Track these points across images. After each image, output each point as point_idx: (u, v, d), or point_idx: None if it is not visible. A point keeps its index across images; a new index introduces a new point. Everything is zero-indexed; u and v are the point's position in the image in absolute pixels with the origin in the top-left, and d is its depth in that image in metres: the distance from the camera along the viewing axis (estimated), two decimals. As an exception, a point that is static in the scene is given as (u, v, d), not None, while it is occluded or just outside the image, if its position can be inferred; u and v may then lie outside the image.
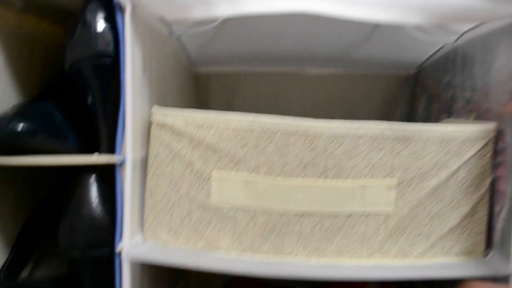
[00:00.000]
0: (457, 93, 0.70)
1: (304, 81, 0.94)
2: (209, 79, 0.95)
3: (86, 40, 0.53)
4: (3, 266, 0.60)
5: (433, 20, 0.52)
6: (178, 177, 0.56)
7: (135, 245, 0.55)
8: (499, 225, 0.56)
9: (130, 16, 0.52)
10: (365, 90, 0.96)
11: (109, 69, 0.53)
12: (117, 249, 0.53)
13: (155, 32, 0.62)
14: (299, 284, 0.86)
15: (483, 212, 0.58)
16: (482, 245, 0.59)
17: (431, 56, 0.84)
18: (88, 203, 0.53)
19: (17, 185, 0.65)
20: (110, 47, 0.53)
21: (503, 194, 0.56)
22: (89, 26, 0.53)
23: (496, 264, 0.55)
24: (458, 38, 0.70)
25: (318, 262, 0.57)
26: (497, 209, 0.57)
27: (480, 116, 0.62)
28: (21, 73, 0.63)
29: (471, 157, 0.57)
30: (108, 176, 0.54)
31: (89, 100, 0.56)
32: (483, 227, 0.58)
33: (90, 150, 0.56)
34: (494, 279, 0.55)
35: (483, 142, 0.57)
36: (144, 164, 0.57)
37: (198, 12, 0.51)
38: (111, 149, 0.54)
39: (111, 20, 0.53)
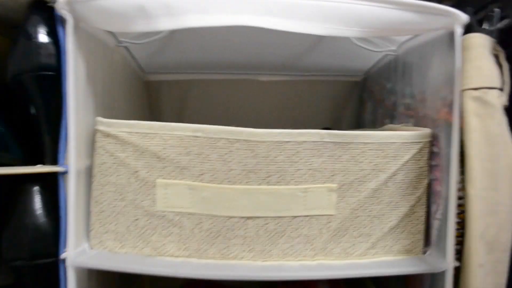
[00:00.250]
0: (398, 99, 0.73)
1: (255, 88, 0.95)
2: (160, 87, 0.95)
3: (27, 53, 0.53)
4: None
5: (368, 33, 0.53)
6: (123, 185, 0.56)
7: (80, 253, 0.54)
8: (435, 224, 0.59)
9: (72, 29, 0.52)
10: (314, 96, 0.98)
11: (51, 81, 0.53)
12: (61, 257, 0.52)
13: (101, 43, 0.61)
14: (250, 286, 0.88)
15: (421, 212, 0.60)
16: (421, 244, 0.61)
17: (376, 63, 0.87)
18: (31, 213, 0.53)
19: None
20: (53, 60, 0.53)
21: (439, 195, 0.58)
22: (31, 39, 0.53)
23: (434, 261, 0.58)
24: (399, 47, 0.72)
25: (264, 264, 0.58)
26: (434, 209, 0.60)
27: (418, 121, 0.65)
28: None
29: (408, 161, 0.59)
30: (53, 186, 0.53)
31: (32, 111, 0.55)
32: (421, 226, 0.61)
33: (34, 161, 0.56)
34: (432, 275, 0.58)
35: (418, 147, 0.59)
36: (89, 173, 0.57)
37: (140, 26, 0.51)
38: (55, 160, 0.53)
39: (53, 32, 0.53)
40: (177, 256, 0.57)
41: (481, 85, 0.54)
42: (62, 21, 0.52)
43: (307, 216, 0.58)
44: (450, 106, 0.55)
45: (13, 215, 0.54)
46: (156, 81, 0.94)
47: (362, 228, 0.59)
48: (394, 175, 0.59)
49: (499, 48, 0.57)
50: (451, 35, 0.55)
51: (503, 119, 0.54)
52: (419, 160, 0.59)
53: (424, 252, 0.61)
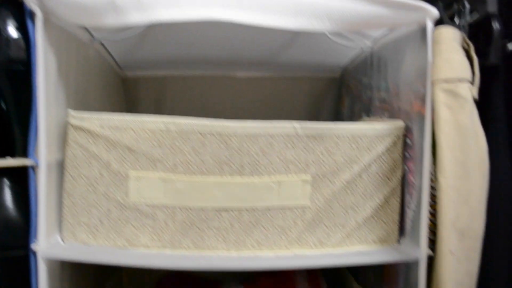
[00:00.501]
0: (374, 93, 0.73)
1: (232, 84, 0.95)
2: (137, 83, 0.95)
3: (-3, 47, 0.52)
4: None
5: (340, 27, 0.53)
6: (95, 178, 0.55)
7: (52, 245, 0.54)
8: (409, 214, 0.59)
9: (41, 23, 0.51)
10: (292, 92, 0.98)
11: (21, 75, 0.52)
12: (32, 248, 0.52)
13: (74, 38, 0.61)
14: (228, 279, 0.87)
15: (395, 202, 0.61)
16: (395, 233, 0.61)
17: (353, 59, 0.87)
18: (1, 205, 0.52)
19: None
20: (22, 53, 0.52)
21: (413, 186, 0.58)
22: (0, 33, 0.52)
23: (408, 250, 0.58)
24: (374, 43, 0.73)
25: (239, 254, 0.57)
26: (408, 199, 0.60)
27: (393, 114, 0.65)
28: None
29: (382, 153, 0.59)
30: (24, 179, 0.52)
31: (2, 105, 0.54)
32: (395, 216, 0.61)
33: (3, 154, 0.55)
34: (407, 264, 0.58)
35: (391, 139, 0.59)
36: (61, 166, 0.56)
37: (110, 20, 0.50)
38: (25, 153, 0.52)
39: (23, 26, 0.52)
40: (151, 248, 0.56)
41: (451, 77, 0.54)
42: (32, 15, 0.51)
43: (282, 207, 0.57)
44: (422, 99, 0.55)
45: (-17, 208, 0.53)
46: (133, 77, 0.94)
47: (336, 219, 0.59)
48: (368, 167, 0.59)
49: (469, 42, 0.57)
50: (423, 30, 0.56)
51: (473, 111, 0.55)
52: (392, 152, 0.59)
53: (399, 242, 0.61)
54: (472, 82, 0.55)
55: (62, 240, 0.56)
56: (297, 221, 0.58)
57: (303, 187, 0.57)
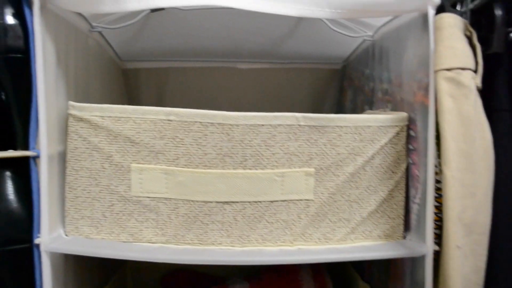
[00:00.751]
0: (376, 85, 0.72)
1: (234, 76, 0.94)
2: (138, 74, 0.94)
3: (-6, 35, 0.51)
4: None
5: (340, 14, 0.52)
6: (97, 171, 0.55)
7: (55, 238, 0.53)
8: (414, 208, 0.58)
9: (38, 10, 0.50)
10: (294, 84, 0.97)
11: (20, 64, 0.51)
12: (35, 242, 0.51)
13: (73, 27, 0.60)
14: (234, 274, 0.87)
15: (400, 196, 0.60)
16: (400, 228, 0.60)
17: (354, 50, 0.86)
18: (3, 198, 0.51)
19: None
20: (20, 42, 0.51)
21: (417, 179, 0.57)
22: (-3, 21, 0.51)
23: (414, 245, 0.57)
24: (375, 32, 0.72)
25: (243, 249, 0.57)
26: (412, 193, 0.59)
27: (396, 106, 0.64)
28: None
29: (385, 145, 0.58)
30: (25, 171, 0.52)
31: (2, 95, 0.54)
32: (400, 211, 0.60)
33: (5, 146, 0.54)
34: (413, 259, 0.58)
35: (395, 130, 0.58)
36: (63, 158, 0.55)
37: (108, 6, 0.49)
38: (26, 144, 0.52)
39: (21, 14, 0.51)
40: (154, 242, 0.56)
41: (454, 66, 0.53)
42: (29, 2, 0.50)
43: (285, 200, 0.57)
44: (425, 89, 0.55)
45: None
46: (134, 68, 0.93)
47: (341, 213, 0.58)
48: (371, 159, 0.58)
49: (471, 29, 0.56)
50: (424, 17, 0.55)
51: (477, 100, 0.54)
52: (396, 144, 0.59)
53: (404, 237, 0.60)
54: (475, 71, 0.54)
55: (65, 234, 0.56)
56: (301, 215, 0.57)
57: (306, 180, 0.57)
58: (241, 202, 0.56)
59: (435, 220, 0.55)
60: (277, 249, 0.57)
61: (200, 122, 0.54)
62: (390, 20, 0.66)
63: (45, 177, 0.51)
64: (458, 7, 0.62)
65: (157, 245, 0.56)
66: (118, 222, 0.56)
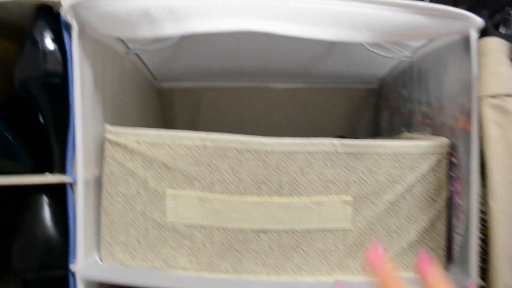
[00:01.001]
0: (415, 107, 0.70)
1: (268, 95, 0.93)
2: (173, 93, 0.94)
3: (34, 59, 0.51)
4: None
5: (378, 38, 0.51)
6: (132, 196, 0.54)
7: (90, 265, 0.53)
8: (457, 239, 0.56)
9: (77, 35, 0.50)
10: (329, 104, 0.95)
11: (58, 88, 0.51)
12: (71, 269, 0.51)
13: (110, 50, 0.60)
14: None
15: (441, 226, 0.57)
16: (442, 260, 0.58)
17: (391, 70, 0.84)
18: (41, 224, 0.52)
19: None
20: (59, 66, 0.52)
21: (460, 209, 0.55)
22: (37, 45, 0.51)
23: (457, 279, 0.54)
24: (413, 53, 0.70)
25: (278, 279, 0.55)
26: (455, 223, 0.56)
27: (436, 130, 0.62)
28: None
29: (426, 172, 0.56)
30: (62, 196, 0.52)
31: (40, 119, 0.54)
32: (442, 241, 0.57)
33: (44, 170, 0.55)
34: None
35: (436, 157, 0.56)
36: (99, 183, 0.55)
37: (145, 31, 0.49)
38: (63, 169, 0.52)
39: (60, 39, 0.51)
40: (188, 270, 0.55)
41: (499, 92, 0.51)
42: (68, 27, 0.51)
43: (322, 229, 0.55)
44: (468, 114, 0.52)
45: (23, 226, 0.52)
46: (169, 88, 0.93)
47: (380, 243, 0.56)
48: (411, 187, 0.56)
49: (517, 53, 0.54)
50: (466, 40, 0.52)
51: (525, 128, 0.51)
52: (437, 171, 0.56)
53: (447, 269, 0.58)
54: (522, 97, 0.52)
55: (101, 260, 0.55)
56: (338, 244, 0.55)
57: (344, 208, 0.55)
58: (276, 230, 0.54)
59: (480, 253, 0.52)
60: (314, 280, 0.56)
61: (235, 148, 0.53)
62: (430, 41, 0.63)
63: (81, 203, 0.51)
64: (501, 29, 0.59)
65: (192, 273, 0.55)
66: (152, 249, 0.55)
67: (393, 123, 0.83)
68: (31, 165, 0.56)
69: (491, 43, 0.53)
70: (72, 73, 0.51)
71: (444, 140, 0.57)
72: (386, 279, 0.41)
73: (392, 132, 0.82)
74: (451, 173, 0.57)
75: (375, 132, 0.95)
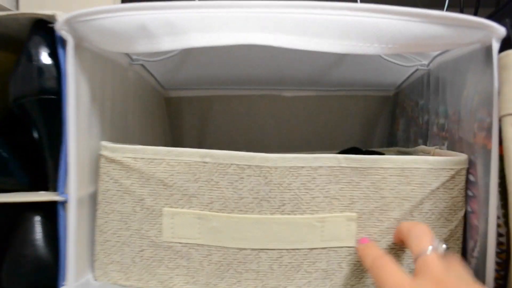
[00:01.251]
0: (431, 118, 0.66)
1: (279, 104, 0.90)
2: (181, 103, 0.91)
3: (28, 76, 0.49)
4: None
5: (391, 49, 0.47)
6: (128, 214, 0.52)
7: (82, 285, 0.51)
8: (472, 263, 0.51)
9: (72, 50, 0.48)
10: (343, 111, 0.91)
11: (54, 104, 0.49)
12: (61, 289, 0.49)
13: (110, 62, 0.58)
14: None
15: (455, 248, 0.53)
16: (455, 283, 0.53)
17: (408, 78, 0.79)
18: (31, 243, 0.50)
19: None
20: (54, 83, 0.50)
21: (476, 230, 0.50)
22: (32, 61, 0.49)
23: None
24: (431, 61, 0.65)
25: (279, 300, 0.52)
26: (471, 245, 0.52)
27: (453, 144, 0.57)
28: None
29: (437, 189, 0.52)
30: (55, 215, 0.50)
31: (36, 135, 0.52)
32: (456, 265, 0.53)
33: (38, 187, 0.53)
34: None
35: (450, 174, 0.52)
36: (94, 200, 0.53)
37: (142, 46, 0.47)
38: (56, 187, 0.50)
39: (56, 54, 0.49)
40: (185, 290, 0.52)
41: None
42: (63, 42, 0.49)
43: (325, 248, 0.52)
44: (488, 130, 0.47)
45: (13, 245, 0.50)
46: (177, 97, 0.90)
47: (387, 262, 0.52)
48: (420, 204, 0.52)
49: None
50: (487, 50, 0.47)
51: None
52: (452, 189, 0.52)
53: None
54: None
55: (95, 279, 0.53)
56: (342, 264, 0.52)
57: (348, 225, 0.52)
58: (277, 249, 0.51)
59: (497, 278, 0.47)
60: (317, 301, 0.52)
61: (236, 164, 0.50)
62: (448, 50, 0.59)
63: (73, 223, 0.49)
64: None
65: (188, 294, 0.52)
66: (147, 268, 0.52)
67: (409, 133, 0.78)
68: (27, 181, 0.54)
69: (515, 56, 0.48)
70: (65, 90, 0.48)
71: (460, 157, 0.52)
72: (373, 254, 0.47)
73: (408, 143, 0.78)
74: (468, 192, 0.52)
75: (391, 142, 0.91)
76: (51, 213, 0.50)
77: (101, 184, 0.52)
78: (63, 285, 0.49)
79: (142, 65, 0.69)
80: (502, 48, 0.47)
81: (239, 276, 0.52)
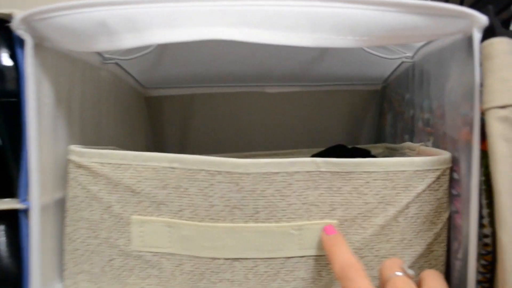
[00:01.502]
0: (416, 112, 0.61)
1: (263, 101, 0.86)
2: (162, 102, 0.87)
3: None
4: None
5: (366, 42, 0.43)
6: (96, 222, 0.48)
7: (50, 296, 0.48)
8: (457, 265, 0.47)
9: (31, 50, 0.44)
10: (328, 107, 0.87)
11: (14, 109, 0.45)
12: (26, 301, 0.46)
13: (79, 62, 0.54)
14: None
15: (440, 251, 0.49)
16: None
17: (394, 70, 0.75)
18: (-7, 253, 0.47)
19: None
20: (15, 85, 0.45)
21: (461, 231, 0.46)
22: (-10, 63, 0.46)
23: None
24: (415, 53, 0.61)
25: (256, 311, 0.49)
26: (455, 247, 0.48)
27: (438, 141, 0.53)
28: None
29: (422, 192, 0.48)
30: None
31: None
32: (441, 267, 0.49)
33: (5, 195, 0.49)
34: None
35: (435, 175, 0.48)
36: (62, 207, 0.50)
37: (104, 44, 0.43)
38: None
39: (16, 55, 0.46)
40: (157, 301, 0.49)
41: (509, 102, 0.42)
42: (22, 42, 0.45)
43: (304, 256, 0.48)
44: (472, 125, 0.43)
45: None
46: (157, 96, 0.86)
47: (369, 270, 0.48)
48: (405, 209, 0.48)
49: (528, 55, 0.44)
50: (469, 40, 0.43)
51: (540, 143, 0.42)
52: (436, 190, 0.48)
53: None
54: (536, 106, 0.42)
55: (64, 289, 0.50)
56: (322, 273, 0.48)
57: (328, 232, 0.48)
58: (252, 259, 0.48)
59: (482, 281, 0.43)
60: (295, 312, 0.48)
61: (206, 170, 0.47)
62: (431, 41, 0.54)
63: (36, 231, 0.45)
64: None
65: (160, 305, 0.49)
66: (118, 278, 0.49)
67: (396, 128, 0.74)
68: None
69: (498, 45, 0.43)
70: (23, 92, 0.44)
71: (444, 156, 0.48)
72: (342, 260, 0.43)
73: (395, 138, 0.74)
74: (452, 191, 0.48)
75: (379, 137, 0.87)
76: (14, 222, 0.46)
77: (70, 190, 0.49)
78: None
79: (118, 64, 0.65)
80: (487, 38, 0.43)
81: (213, 286, 0.48)
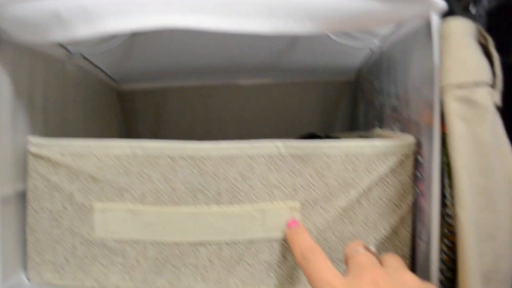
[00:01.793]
0: (385, 99, 0.61)
1: (236, 93, 0.85)
2: (134, 96, 0.87)
3: None
4: None
5: (324, 28, 0.42)
6: (58, 211, 0.48)
7: (13, 286, 0.47)
8: (422, 246, 0.47)
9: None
10: (302, 98, 0.87)
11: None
12: (-11, 292, 0.45)
13: (41, 56, 0.53)
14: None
15: (405, 233, 0.49)
16: (407, 269, 0.49)
17: (366, 60, 0.75)
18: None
19: None
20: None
21: (425, 213, 0.47)
22: None
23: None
24: (383, 42, 0.61)
25: (221, 294, 0.48)
26: (419, 228, 0.48)
27: (404, 126, 0.53)
28: None
29: (385, 175, 0.48)
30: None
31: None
32: (406, 249, 0.49)
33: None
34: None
35: (397, 158, 0.48)
36: (24, 198, 0.49)
37: (57, 35, 0.42)
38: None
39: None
40: (122, 288, 0.49)
41: (465, 81, 0.42)
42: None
43: (267, 239, 0.48)
44: (432, 107, 0.43)
45: None
46: (130, 90, 0.86)
47: (333, 253, 0.48)
48: (368, 192, 0.48)
49: (486, 36, 0.44)
50: (428, 25, 0.43)
51: (496, 121, 0.41)
52: (400, 173, 0.48)
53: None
54: (493, 86, 0.42)
55: (28, 280, 0.49)
56: (287, 255, 0.48)
57: (291, 215, 0.47)
58: (216, 242, 0.47)
59: (447, 261, 0.43)
60: (261, 294, 0.48)
61: (168, 155, 0.46)
62: (398, 28, 0.55)
63: (-3, 221, 0.45)
64: (471, 8, 0.50)
65: (126, 292, 0.48)
66: (81, 267, 0.48)
67: (368, 117, 0.74)
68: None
69: (454, 25, 0.43)
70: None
71: (408, 139, 0.48)
72: (302, 244, 0.43)
73: (367, 127, 0.74)
74: (417, 174, 0.49)
75: (353, 127, 0.86)
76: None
77: (30, 181, 0.48)
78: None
79: (85, 58, 0.65)
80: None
81: (177, 271, 0.48)
